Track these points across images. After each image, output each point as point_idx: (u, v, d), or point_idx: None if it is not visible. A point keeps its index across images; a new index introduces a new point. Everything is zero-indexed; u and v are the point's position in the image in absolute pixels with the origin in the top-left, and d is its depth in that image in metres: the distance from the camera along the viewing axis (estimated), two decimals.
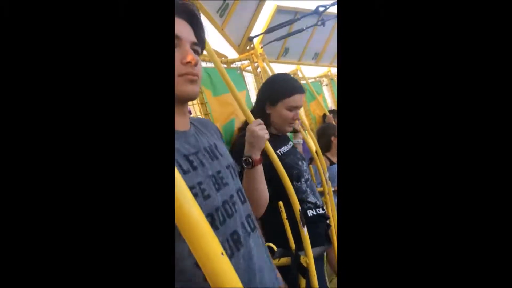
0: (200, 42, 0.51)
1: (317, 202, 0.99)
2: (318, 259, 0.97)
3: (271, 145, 0.90)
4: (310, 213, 0.95)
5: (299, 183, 0.95)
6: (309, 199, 0.96)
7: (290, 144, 1.03)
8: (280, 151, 0.95)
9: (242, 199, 0.53)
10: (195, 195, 0.44)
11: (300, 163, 0.98)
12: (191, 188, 0.44)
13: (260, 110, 0.99)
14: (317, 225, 0.96)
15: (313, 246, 0.91)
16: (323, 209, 1.00)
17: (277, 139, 0.99)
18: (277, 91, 0.97)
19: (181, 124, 0.50)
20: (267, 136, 0.72)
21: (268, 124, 0.97)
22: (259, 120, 0.74)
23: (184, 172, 0.44)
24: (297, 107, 0.96)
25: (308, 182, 0.99)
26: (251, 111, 1.03)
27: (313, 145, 1.36)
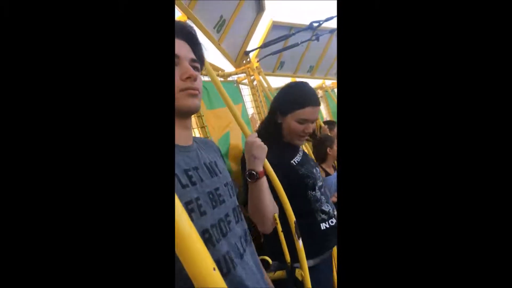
0: (199, 59, 0.53)
1: (330, 211, 0.94)
2: (327, 261, 0.92)
3: (283, 154, 0.91)
4: (323, 226, 0.90)
5: (314, 192, 0.91)
6: (323, 208, 0.92)
7: (301, 151, 0.98)
8: (294, 161, 0.91)
9: (236, 218, 0.53)
10: (191, 210, 0.44)
11: (314, 170, 0.94)
12: (188, 203, 0.44)
13: (271, 119, 0.96)
14: (330, 238, 0.92)
15: (322, 253, 0.89)
16: (335, 218, 0.95)
17: (289, 148, 0.95)
18: (288, 101, 0.92)
19: (183, 138, 0.51)
20: (266, 147, 0.73)
21: (279, 134, 0.94)
22: (255, 134, 0.75)
23: (182, 187, 0.45)
24: (307, 120, 0.90)
25: (322, 190, 0.94)
26: (264, 118, 1.03)
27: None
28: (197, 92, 0.49)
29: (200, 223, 0.44)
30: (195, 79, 0.49)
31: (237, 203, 0.56)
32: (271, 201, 0.71)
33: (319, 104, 0.92)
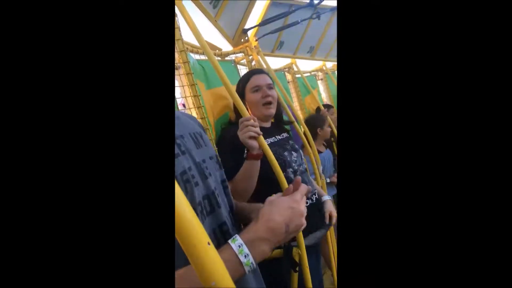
0: None
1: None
2: (312, 251, 0.97)
3: None
4: None
5: (284, 173, 0.95)
6: None
7: (282, 136, 1.05)
8: None
9: (225, 191, 0.52)
10: (186, 181, 0.42)
11: (285, 153, 1.00)
12: (182, 174, 0.42)
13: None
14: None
15: (304, 236, 0.92)
16: (312, 200, 1.02)
17: (265, 132, 0.99)
18: (240, 83, 1.07)
19: None
20: (247, 135, 0.76)
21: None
22: (246, 118, 0.76)
23: (174, 156, 0.42)
24: (258, 86, 1.01)
25: (298, 173, 1.00)
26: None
27: (305, 138, 1.37)
28: None
29: (195, 194, 0.43)
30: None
31: (224, 177, 0.55)
32: (253, 183, 0.81)
33: (263, 72, 1.06)
